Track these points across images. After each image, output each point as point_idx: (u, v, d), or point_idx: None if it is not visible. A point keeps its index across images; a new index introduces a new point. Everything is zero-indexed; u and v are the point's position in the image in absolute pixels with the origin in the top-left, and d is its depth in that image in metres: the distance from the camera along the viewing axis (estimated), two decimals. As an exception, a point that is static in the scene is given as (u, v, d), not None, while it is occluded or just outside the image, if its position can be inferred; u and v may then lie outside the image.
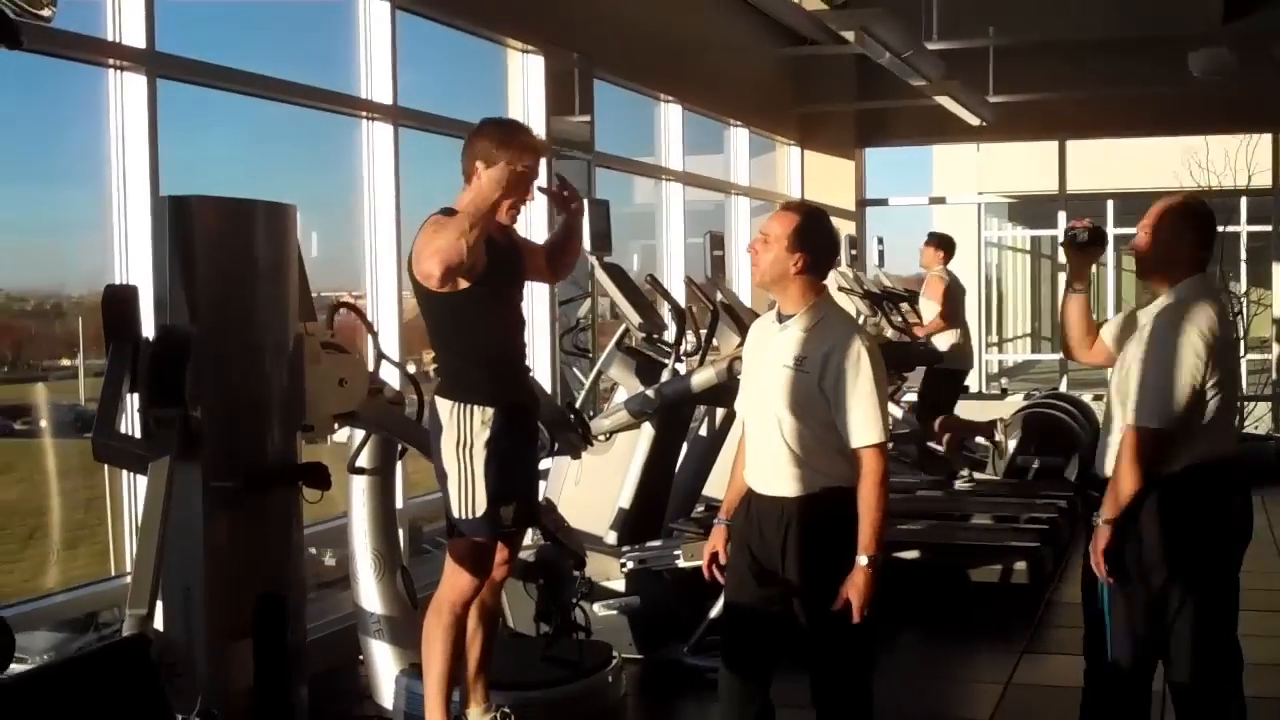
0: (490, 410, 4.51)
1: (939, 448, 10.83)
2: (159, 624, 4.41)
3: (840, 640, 4.27)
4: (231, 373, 4.48)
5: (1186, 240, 4.40)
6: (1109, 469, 4.34)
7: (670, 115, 11.26)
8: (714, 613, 6.62)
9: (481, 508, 4.48)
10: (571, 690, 5.46)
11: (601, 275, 7.49)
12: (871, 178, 15.11)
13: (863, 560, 4.15)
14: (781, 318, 4.32)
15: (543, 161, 4.78)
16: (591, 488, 7.35)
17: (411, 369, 6.73)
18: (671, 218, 11.25)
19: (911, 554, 8.16)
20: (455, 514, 4.49)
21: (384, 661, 5.67)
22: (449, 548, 4.59)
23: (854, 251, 11.99)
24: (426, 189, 7.77)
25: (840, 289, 11.23)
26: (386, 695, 5.58)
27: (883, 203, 15.15)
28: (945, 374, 10.65)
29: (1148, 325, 4.34)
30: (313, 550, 7.06)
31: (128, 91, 5.67)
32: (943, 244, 10.77)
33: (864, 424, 4.17)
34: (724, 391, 7.72)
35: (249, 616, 4.50)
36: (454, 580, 4.58)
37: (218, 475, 4.39)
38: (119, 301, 4.27)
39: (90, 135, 5.75)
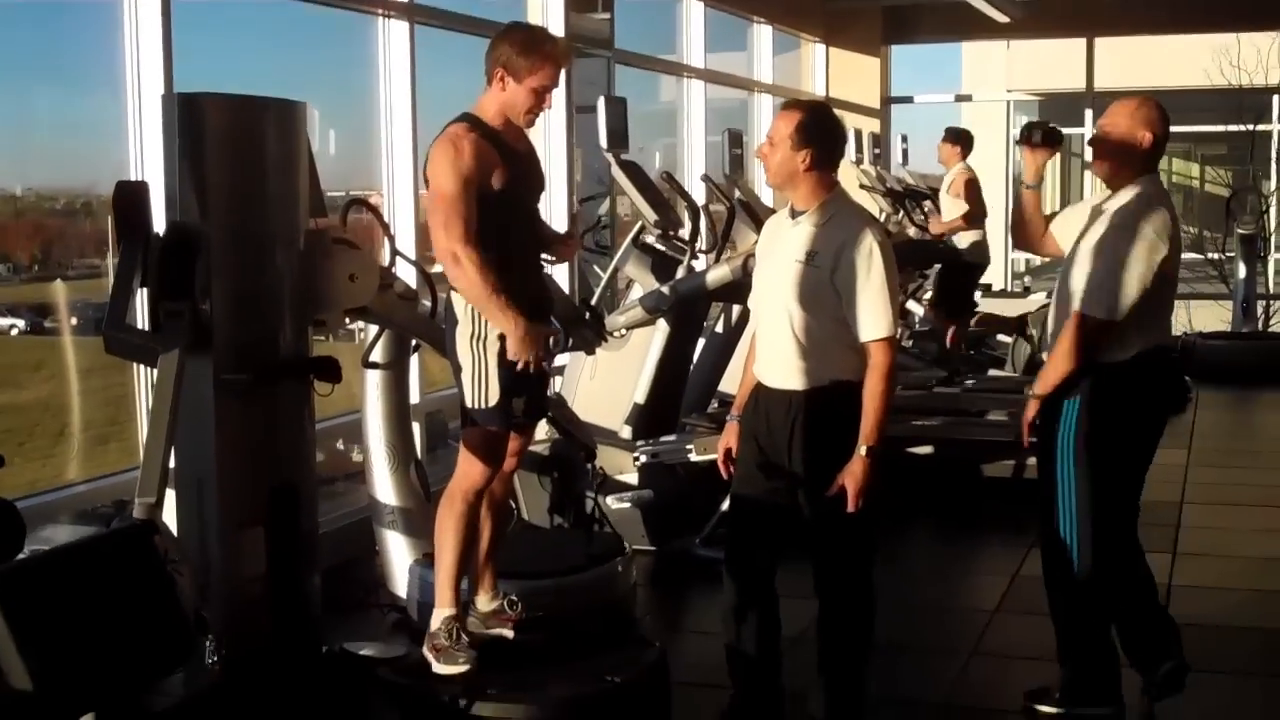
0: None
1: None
2: (172, 515, 4.55)
3: (841, 530, 4.35)
4: (241, 267, 4.54)
5: (1142, 139, 4.57)
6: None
7: (692, 11, 11.21)
8: (725, 506, 6.73)
9: (495, 398, 4.53)
10: (582, 580, 5.56)
11: (618, 173, 7.51)
12: (897, 76, 15.03)
13: (862, 450, 4.23)
14: (794, 214, 4.36)
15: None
16: (607, 383, 7.43)
17: (428, 267, 6.79)
18: (692, 116, 11.24)
19: (925, 449, 8.22)
20: (469, 404, 4.56)
21: (398, 552, 5.78)
22: (463, 437, 4.65)
23: (877, 150, 11.95)
24: (443, 88, 7.80)
25: (861, 187, 11.21)
26: (400, 584, 5.69)
27: (908, 100, 15.07)
28: (963, 268, 10.61)
29: (1104, 220, 4.55)
30: (339, 444, 7.19)
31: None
32: (959, 139, 10.67)
33: (874, 318, 4.23)
34: (739, 288, 7.76)
35: (261, 507, 4.59)
36: (467, 469, 4.65)
37: (229, 368, 4.46)
38: (129, 197, 4.33)
39: (108, 36, 5.80)
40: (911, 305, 11.12)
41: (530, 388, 4.62)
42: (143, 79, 5.69)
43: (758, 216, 8.29)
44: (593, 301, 7.33)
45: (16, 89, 6.52)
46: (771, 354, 4.41)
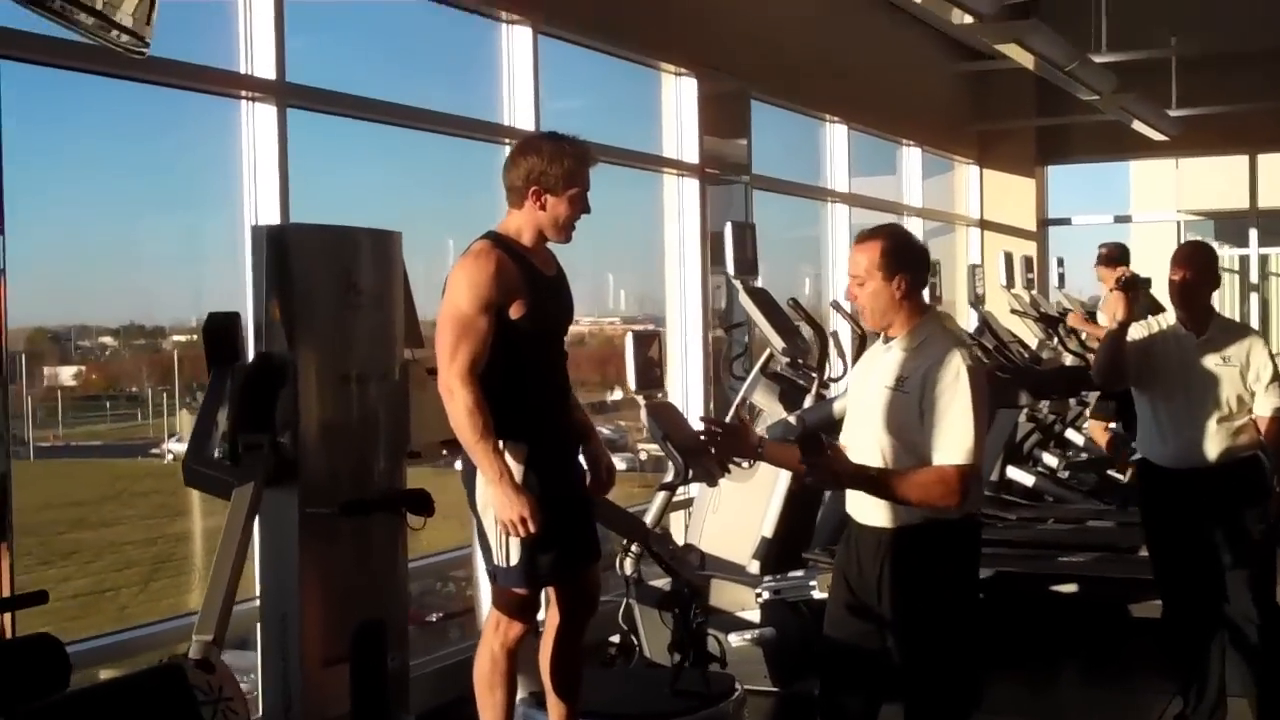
0: (525, 447, 4.34)
1: (1119, 475, 10.46)
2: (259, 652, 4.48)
3: (932, 677, 4.13)
4: (330, 399, 4.49)
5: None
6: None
7: (835, 136, 11.13)
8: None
9: (516, 555, 4.32)
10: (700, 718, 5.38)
11: (745, 300, 7.41)
12: (1057, 196, 14.74)
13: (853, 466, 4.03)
14: (887, 339, 4.17)
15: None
16: (732, 516, 7.25)
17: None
18: (837, 240, 11.10)
19: (1070, 587, 7.90)
20: (493, 560, 4.37)
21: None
22: (492, 595, 4.47)
23: (1030, 275, 11.67)
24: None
25: (1012, 312, 10.98)
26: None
27: (1065, 222, 14.74)
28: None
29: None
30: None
31: (259, 121, 5.76)
32: (1112, 257, 10.41)
33: (951, 441, 3.96)
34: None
35: (346, 644, 4.49)
36: (502, 629, 4.45)
37: (314, 501, 4.40)
38: (220, 328, 4.32)
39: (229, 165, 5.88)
40: (1071, 435, 10.78)
41: (560, 541, 4.39)
42: (260, 208, 5.74)
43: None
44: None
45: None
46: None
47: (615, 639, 6.68)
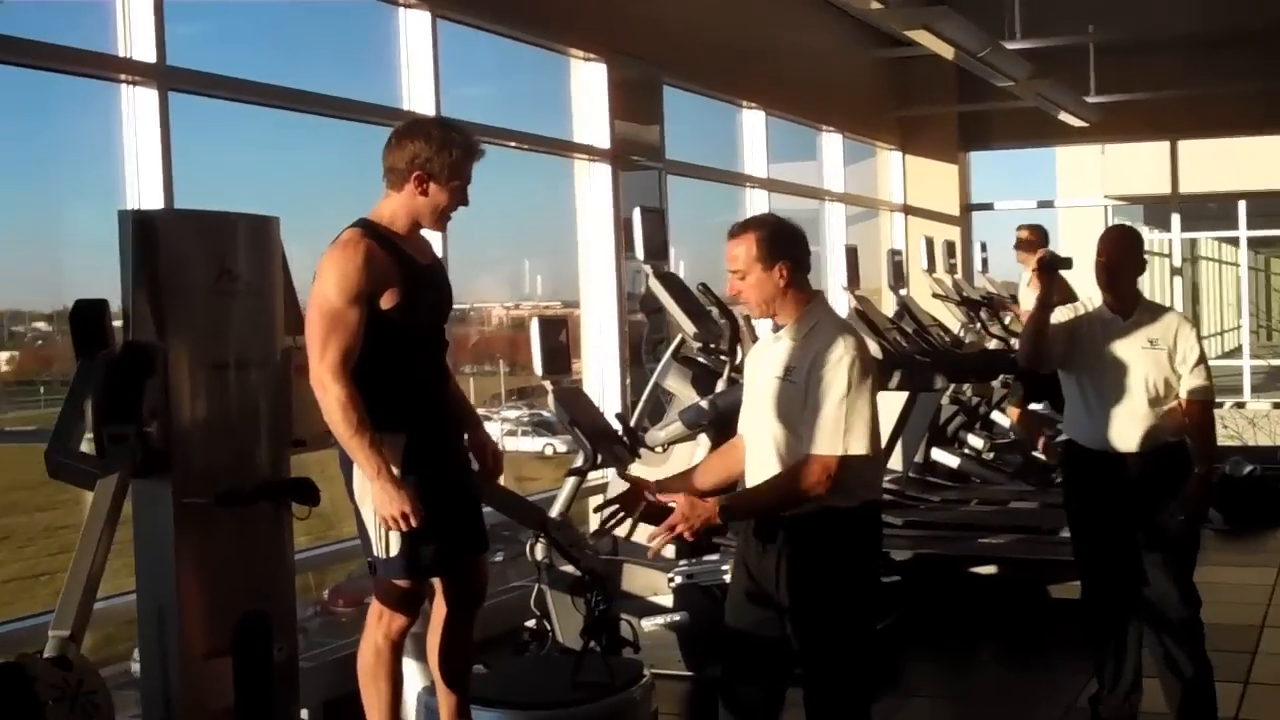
0: (401, 440, 4.24)
1: (1043, 457, 10.46)
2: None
3: (832, 664, 4.08)
4: (204, 388, 4.35)
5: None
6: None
7: (752, 121, 11.07)
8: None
9: (395, 547, 4.22)
10: (592, 710, 5.29)
11: (655, 285, 7.34)
12: (982, 182, 14.76)
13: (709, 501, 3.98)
14: (776, 327, 4.10)
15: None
16: (645, 501, 7.18)
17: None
18: (755, 226, 11.01)
19: (989, 569, 7.88)
20: (373, 551, 4.27)
21: (409, 678, 5.53)
22: (375, 586, 4.38)
23: (953, 259, 11.66)
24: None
25: (934, 296, 10.97)
26: (410, 713, 5.45)
27: (988, 207, 14.76)
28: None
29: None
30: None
31: (140, 105, 5.64)
32: (1030, 241, 10.42)
33: (822, 433, 3.91)
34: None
35: (228, 635, 4.38)
36: (386, 620, 4.34)
37: (190, 492, 4.27)
38: (87, 316, 4.18)
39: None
40: (996, 416, 10.79)
41: (443, 532, 4.29)
42: (142, 195, 5.61)
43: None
44: (632, 417, 7.13)
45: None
46: (756, 477, 4.11)
47: (531, 624, 6.60)
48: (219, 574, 4.39)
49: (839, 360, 3.93)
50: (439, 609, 4.55)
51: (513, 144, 8.35)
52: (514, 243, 9.34)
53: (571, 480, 6.75)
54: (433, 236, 6.37)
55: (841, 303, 9.34)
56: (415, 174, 4.24)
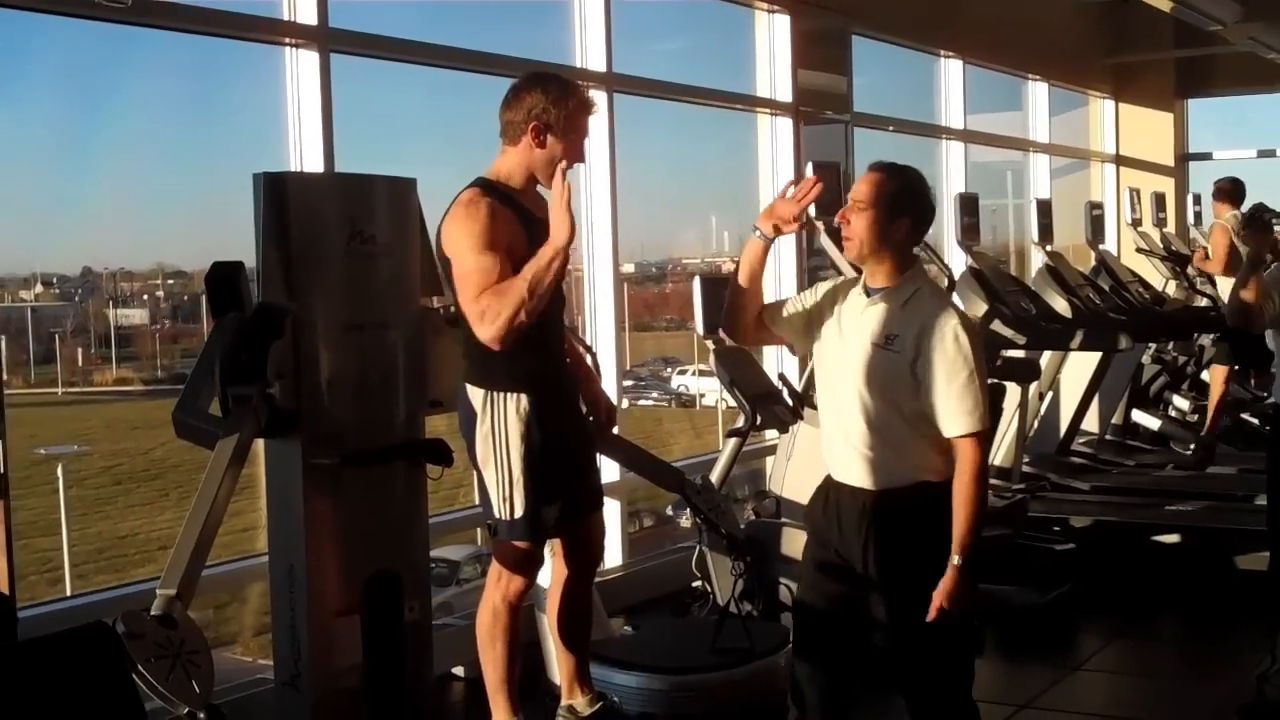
0: (525, 398, 4.22)
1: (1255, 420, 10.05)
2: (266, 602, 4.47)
3: (931, 651, 3.88)
4: (336, 349, 4.42)
5: None
6: None
7: (950, 71, 10.79)
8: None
9: (521, 508, 4.21)
10: (733, 675, 5.26)
11: (826, 241, 7.21)
12: (1205, 130, 14.18)
13: (955, 560, 3.73)
14: (870, 290, 3.91)
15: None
16: (809, 462, 7.06)
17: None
18: (952, 178, 10.78)
19: (1172, 538, 7.61)
20: (495, 514, 4.26)
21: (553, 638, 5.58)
22: (493, 548, 4.38)
23: (1162, 213, 11.25)
24: (642, 158, 7.67)
25: (1138, 250, 10.62)
26: (556, 672, 5.50)
27: (1206, 157, 14.14)
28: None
29: None
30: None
31: (302, 67, 5.73)
32: (1225, 192, 10.00)
33: (960, 410, 3.75)
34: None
35: (357, 595, 4.46)
36: (504, 581, 4.34)
37: (321, 452, 4.35)
38: (222, 278, 4.26)
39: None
40: (1206, 377, 10.37)
41: (564, 490, 4.29)
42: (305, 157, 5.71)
43: (990, 285, 7.88)
44: (797, 377, 7.04)
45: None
46: (843, 447, 3.91)
47: (697, 584, 6.60)
48: (350, 533, 4.47)
49: (958, 334, 3.76)
50: (559, 570, 4.56)
51: (692, 99, 8.29)
52: (702, 199, 9.29)
53: (732, 442, 6.70)
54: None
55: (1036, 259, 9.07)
56: (532, 125, 4.23)
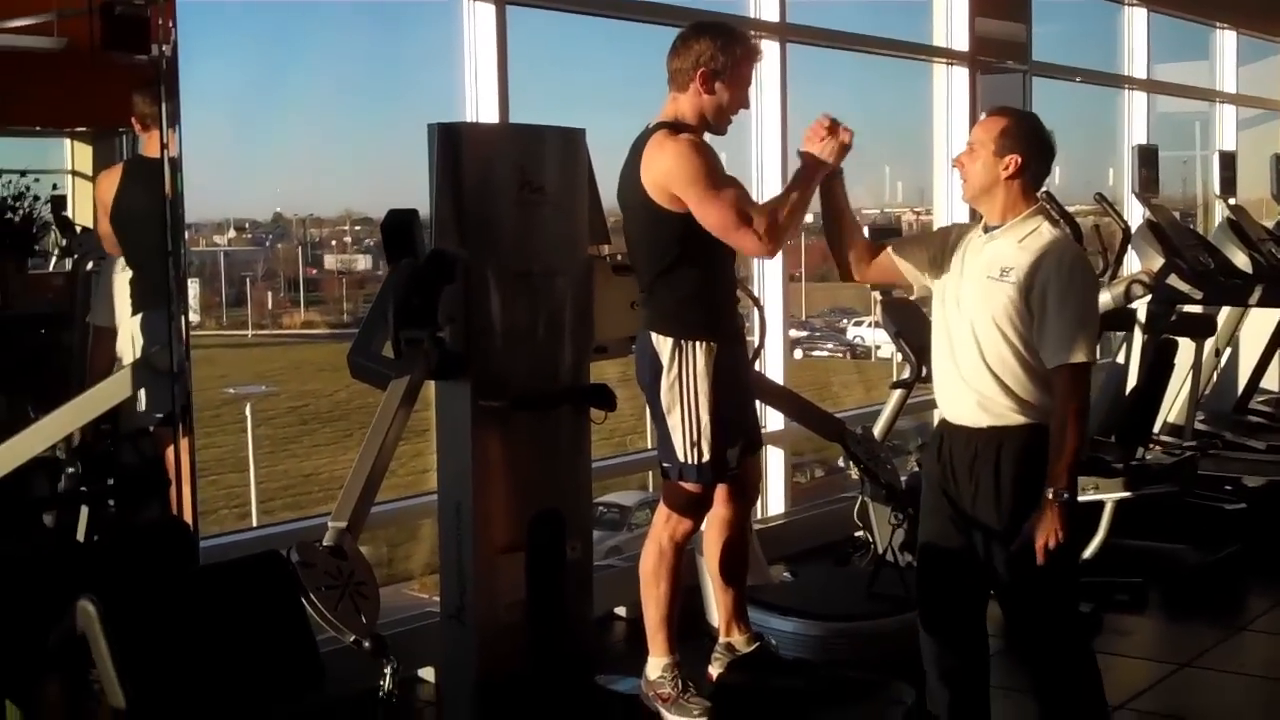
0: (714, 346, 4.29)
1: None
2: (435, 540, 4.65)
3: (1037, 588, 3.95)
4: (505, 295, 4.55)
5: None
6: None
7: (1134, 19, 10.56)
8: (1087, 551, 6.31)
9: (708, 453, 4.28)
10: (887, 624, 5.30)
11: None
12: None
13: (1049, 494, 3.79)
14: (988, 228, 3.98)
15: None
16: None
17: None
18: (1133, 130, 10.58)
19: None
20: (679, 458, 4.33)
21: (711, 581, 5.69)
22: (665, 492, 4.47)
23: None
24: (814, 107, 7.65)
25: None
26: (715, 614, 5.61)
27: (1405, 107, 13.61)
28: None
29: None
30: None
31: (479, 19, 5.86)
32: None
33: (1066, 340, 3.81)
34: (1121, 316, 7.27)
35: (521, 533, 4.61)
36: (673, 523, 4.43)
37: (486, 395, 4.50)
38: (397, 224, 4.42)
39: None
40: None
41: (743, 431, 4.40)
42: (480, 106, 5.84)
43: (1166, 237, 7.76)
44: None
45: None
46: (954, 385, 4.01)
47: (859, 534, 6.66)
48: (516, 474, 4.62)
49: (1073, 268, 3.86)
50: (718, 512, 4.65)
51: (866, 49, 8.28)
52: (876, 150, 9.26)
53: (897, 393, 6.73)
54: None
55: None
56: (701, 72, 4.28)
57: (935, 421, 4.32)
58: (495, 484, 4.57)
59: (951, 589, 4.13)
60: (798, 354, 24.60)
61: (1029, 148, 3.93)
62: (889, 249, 4.22)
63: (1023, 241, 3.90)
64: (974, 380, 3.93)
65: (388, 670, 3.49)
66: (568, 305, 4.72)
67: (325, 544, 3.60)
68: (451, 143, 4.49)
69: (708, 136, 4.35)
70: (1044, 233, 3.91)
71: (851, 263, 4.28)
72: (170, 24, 4.00)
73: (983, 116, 4.17)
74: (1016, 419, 3.89)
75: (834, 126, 4.19)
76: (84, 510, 3.79)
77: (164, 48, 3.99)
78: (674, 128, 4.26)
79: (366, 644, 3.47)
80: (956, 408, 4.01)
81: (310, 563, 3.49)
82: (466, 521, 4.53)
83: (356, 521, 3.70)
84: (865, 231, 6.02)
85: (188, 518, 3.99)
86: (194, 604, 3.13)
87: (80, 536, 3.79)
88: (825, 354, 29.18)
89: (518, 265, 4.59)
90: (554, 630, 4.66)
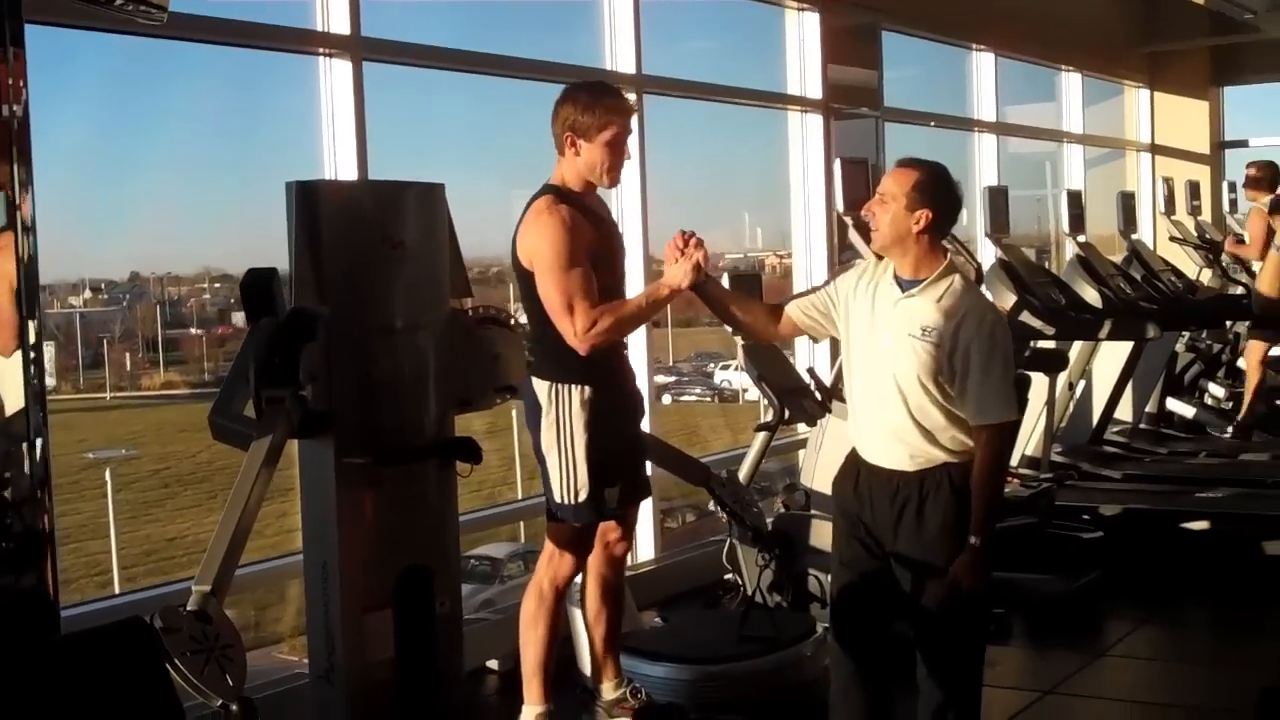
0: (589, 389, 4.43)
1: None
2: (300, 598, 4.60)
3: (948, 626, 4.09)
4: (365, 351, 4.52)
5: None
6: None
7: (981, 64, 10.85)
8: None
9: (584, 492, 4.42)
10: (760, 665, 5.37)
11: (854, 235, 7.30)
12: (1243, 117, 14.15)
13: (973, 540, 3.97)
14: (902, 284, 4.09)
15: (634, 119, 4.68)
16: (838, 455, 7.14)
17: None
18: (983, 171, 10.85)
19: (1202, 524, 7.67)
20: (556, 499, 4.44)
21: (585, 632, 5.69)
22: (548, 532, 4.55)
23: (1196, 201, 11.30)
24: (674, 156, 7.78)
25: (1171, 239, 10.66)
26: (588, 665, 5.62)
27: (1243, 144, 14.11)
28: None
29: None
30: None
31: (335, 77, 5.86)
32: (1258, 179, 10.04)
33: (991, 400, 3.98)
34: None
35: (389, 590, 4.58)
36: (555, 564, 4.54)
37: (350, 452, 4.48)
38: (256, 284, 4.41)
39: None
40: (1243, 364, 10.41)
41: (623, 474, 4.46)
42: (339, 165, 5.84)
43: (1019, 277, 7.95)
44: (833, 370, 7.13)
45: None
46: (876, 432, 4.14)
47: (729, 577, 6.71)
48: (382, 530, 4.59)
49: (994, 329, 4.03)
50: (594, 559, 4.70)
51: (722, 98, 8.41)
52: (735, 196, 9.42)
53: (761, 436, 6.80)
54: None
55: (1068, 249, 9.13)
56: (567, 135, 4.44)
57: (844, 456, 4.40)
58: (361, 541, 4.54)
59: (864, 607, 4.25)
60: (666, 399, 24.71)
61: (940, 203, 4.07)
62: (788, 310, 4.37)
63: (940, 301, 4.04)
64: (897, 429, 4.08)
65: (255, 733, 3.46)
66: (430, 359, 4.71)
67: (190, 608, 3.57)
68: (309, 200, 4.47)
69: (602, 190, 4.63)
70: (958, 289, 4.06)
71: (759, 329, 4.51)
72: (20, 83, 3.92)
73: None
74: (938, 461, 4.05)
75: (686, 244, 4.29)
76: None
77: (14, 108, 3.92)
78: (557, 193, 4.40)
79: (234, 707, 3.45)
80: (877, 451, 4.16)
81: (174, 628, 3.47)
82: (333, 580, 4.49)
83: (221, 584, 3.68)
84: (725, 279, 6.20)
85: (48, 586, 3.91)
86: (54, 674, 3.09)
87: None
88: (694, 398, 29.29)
89: (379, 321, 4.58)
90: (425, 687, 4.63)
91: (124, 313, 29.27)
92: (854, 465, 4.24)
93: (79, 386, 27.84)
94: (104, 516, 20.83)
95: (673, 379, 28.18)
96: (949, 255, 4.14)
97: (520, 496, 11.45)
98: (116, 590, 17.07)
